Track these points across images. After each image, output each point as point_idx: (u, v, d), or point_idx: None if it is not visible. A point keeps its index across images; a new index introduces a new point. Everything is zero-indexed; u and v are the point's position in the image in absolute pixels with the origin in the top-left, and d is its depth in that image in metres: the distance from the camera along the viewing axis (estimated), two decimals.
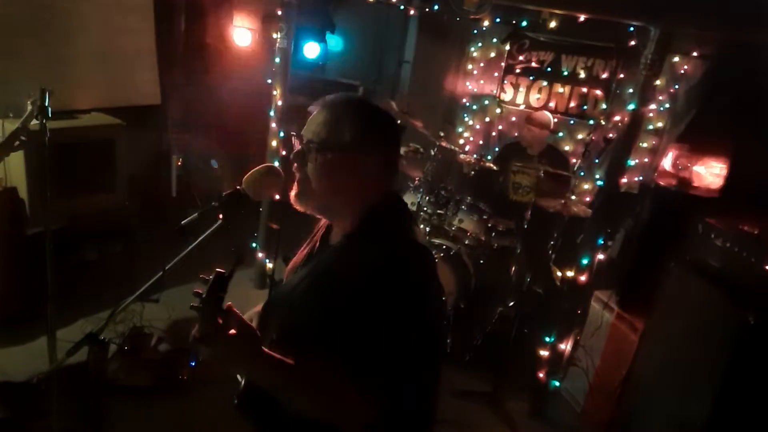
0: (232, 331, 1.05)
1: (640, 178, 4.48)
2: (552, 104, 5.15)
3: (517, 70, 5.31)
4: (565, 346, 3.20)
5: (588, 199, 4.64)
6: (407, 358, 1.11)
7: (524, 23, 5.04)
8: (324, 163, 1.23)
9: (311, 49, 5.51)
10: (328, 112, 1.26)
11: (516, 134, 5.39)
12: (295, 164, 1.28)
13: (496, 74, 5.48)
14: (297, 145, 1.29)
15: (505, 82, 5.40)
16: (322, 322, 1.17)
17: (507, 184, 4.39)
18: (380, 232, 1.23)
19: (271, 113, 3.79)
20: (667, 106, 4.49)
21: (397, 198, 1.36)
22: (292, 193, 1.29)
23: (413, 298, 1.14)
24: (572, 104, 5.04)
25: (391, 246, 1.20)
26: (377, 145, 1.26)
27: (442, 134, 4.37)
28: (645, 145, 4.57)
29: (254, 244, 4.07)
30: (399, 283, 1.14)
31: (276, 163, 4.10)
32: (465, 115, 5.75)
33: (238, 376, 1.29)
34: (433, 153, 4.23)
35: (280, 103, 3.75)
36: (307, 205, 1.29)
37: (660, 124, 4.56)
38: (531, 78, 5.24)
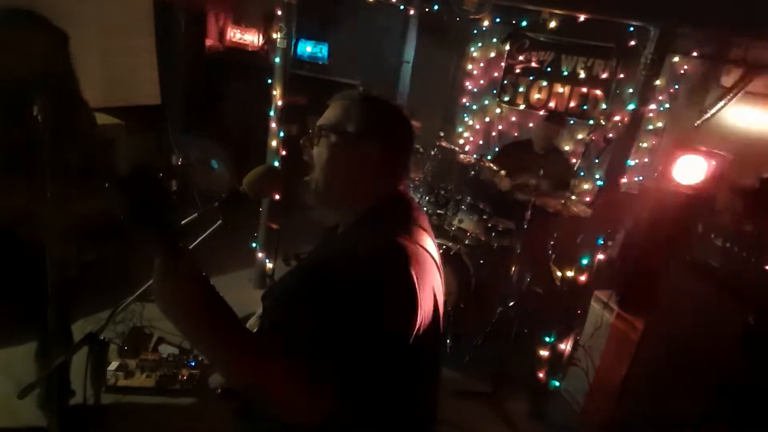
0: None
1: (640, 178, 4.48)
2: (552, 104, 5.15)
3: (517, 70, 5.31)
4: (565, 346, 3.20)
5: (588, 199, 4.64)
6: (361, 359, 1.06)
7: (524, 23, 5.04)
8: (327, 146, 1.25)
9: (312, 49, 5.52)
10: (341, 103, 1.30)
11: (516, 134, 5.41)
12: (304, 148, 1.30)
13: (496, 74, 5.48)
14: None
15: (505, 82, 5.40)
16: (293, 306, 1.16)
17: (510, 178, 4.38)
18: (374, 228, 1.21)
19: (271, 113, 3.79)
20: (667, 106, 4.49)
21: (405, 198, 1.34)
22: (303, 180, 1.30)
23: (378, 296, 1.07)
24: (572, 104, 5.05)
25: (377, 242, 1.15)
26: (380, 135, 1.26)
27: (442, 134, 4.37)
28: (645, 145, 4.57)
29: (254, 244, 4.07)
30: (368, 279, 1.08)
31: (276, 163, 4.13)
32: (465, 115, 5.75)
33: None
34: (433, 153, 4.23)
35: (280, 103, 3.75)
36: (314, 193, 1.28)
37: (660, 124, 4.56)
38: (531, 78, 5.24)
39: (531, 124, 5.23)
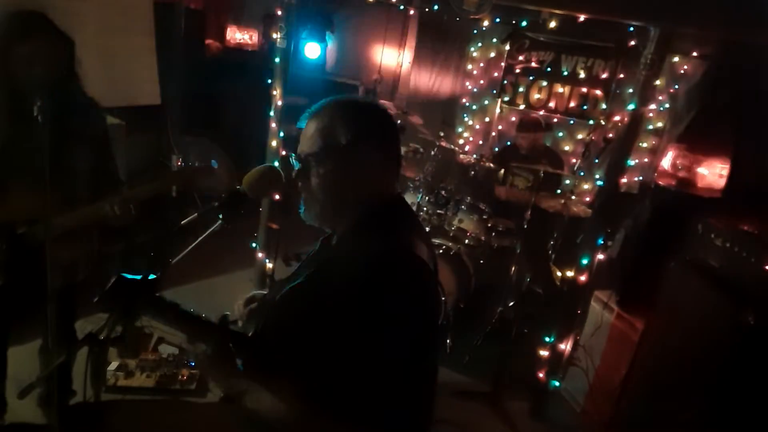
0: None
1: (640, 178, 4.48)
2: (552, 104, 5.15)
3: (517, 70, 5.30)
4: (565, 346, 3.20)
5: (588, 199, 4.64)
6: (376, 372, 1.05)
7: (524, 23, 5.04)
8: (326, 173, 1.20)
9: (311, 49, 5.52)
10: (318, 121, 1.23)
11: (515, 134, 5.40)
12: (299, 183, 1.25)
13: (496, 74, 5.47)
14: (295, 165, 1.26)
15: (505, 82, 5.40)
16: (298, 320, 1.16)
17: (505, 185, 4.41)
18: (372, 237, 1.18)
19: (271, 113, 3.79)
20: (667, 106, 4.49)
21: (400, 202, 1.32)
22: (301, 211, 1.27)
23: (389, 310, 1.06)
24: (572, 104, 5.04)
25: (378, 253, 1.13)
26: (375, 140, 1.23)
27: (442, 134, 4.37)
28: (645, 145, 4.57)
29: (254, 244, 4.07)
30: (378, 293, 1.07)
31: (276, 163, 4.13)
32: (465, 115, 5.75)
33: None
34: (433, 153, 4.23)
35: (280, 103, 3.75)
36: (317, 219, 1.27)
37: (660, 124, 4.56)
38: (531, 78, 5.24)
39: None
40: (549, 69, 5.12)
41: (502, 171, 4.22)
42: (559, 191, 4.27)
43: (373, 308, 1.06)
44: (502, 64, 5.39)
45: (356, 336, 1.05)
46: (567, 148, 5.04)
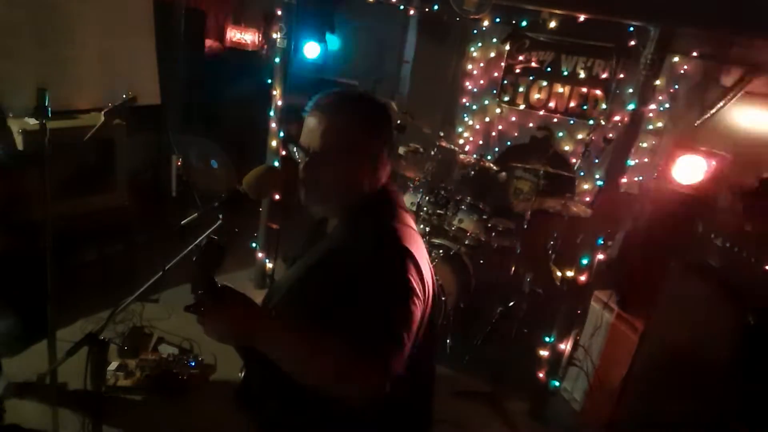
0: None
1: (640, 178, 4.48)
2: (552, 104, 5.15)
3: (517, 70, 5.30)
4: (565, 346, 3.20)
5: (588, 199, 4.64)
6: (402, 320, 1.13)
7: (524, 23, 5.04)
8: (337, 168, 1.26)
9: (311, 49, 5.51)
10: (328, 117, 1.27)
11: (515, 134, 5.41)
12: (307, 174, 1.29)
13: (496, 74, 5.47)
14: (300, 157, 1.30)
15: (505, 82, 5.40)
16: (321, 303, 1.20)
17: (509, 189, 4.40)
18: (372, 218, 1.28)
19: (271, 113, 3.80)
20: (667, 106, 4.49)
21: (391, 187, 1.41)
22: (303, 196, 1.33)
23: (405, 271, 1.18)
24: (572, 104, 5.04)
25: (383, 229, 1.25)
26: (383, 137, 1.31)
27: (442, 134, 4.37)
28: (645, 145, 4.57)
29: (254, 244, 4.07)
30: (392, 261, 1.18)
31: (276, 163, 4.13)
32: (465, 115, 5.75)
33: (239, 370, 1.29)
34: (433, 153, 4.23)
35: (280, 103, 3.75)
36: (320, 206, 1.34)
37: (660, 124, 4.56)
38: (531, 78, 5.24)
39: (531, 125, 5.23)
40: (549, 69, 5.12)
41: (503, 174, 4.22)
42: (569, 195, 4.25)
43: (393, 268, 1.17)
44: (502, 64, 5.39)
45: (381, 298, 1.14)
46: (567, 148, 5.04)
